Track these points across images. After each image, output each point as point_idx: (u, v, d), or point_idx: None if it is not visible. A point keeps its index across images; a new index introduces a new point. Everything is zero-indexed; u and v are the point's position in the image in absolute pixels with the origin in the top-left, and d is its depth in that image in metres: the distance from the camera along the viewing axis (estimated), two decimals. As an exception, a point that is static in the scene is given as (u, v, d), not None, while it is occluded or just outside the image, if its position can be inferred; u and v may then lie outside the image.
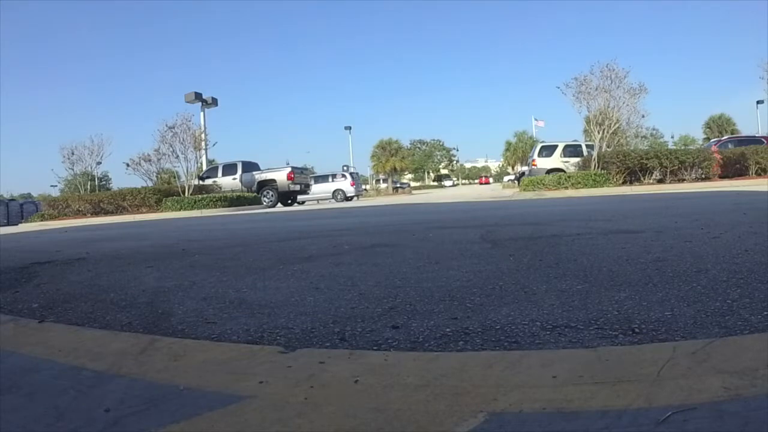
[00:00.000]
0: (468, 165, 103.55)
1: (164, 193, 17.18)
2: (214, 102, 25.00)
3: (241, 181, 19.09)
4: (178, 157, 17.54)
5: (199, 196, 16.55)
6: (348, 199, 24.00)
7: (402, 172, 51.36)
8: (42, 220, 16.67)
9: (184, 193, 16.87)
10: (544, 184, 13.87)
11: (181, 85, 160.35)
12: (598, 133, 14.62)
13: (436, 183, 79.53)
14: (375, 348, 1.41)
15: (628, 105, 14.96)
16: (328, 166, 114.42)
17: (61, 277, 3.01)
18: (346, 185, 24.84)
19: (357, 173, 29.26)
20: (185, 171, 17.80)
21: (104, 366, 1.36)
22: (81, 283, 2.79)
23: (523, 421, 0.91)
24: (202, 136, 18.96)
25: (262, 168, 20.30)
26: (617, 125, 15.11)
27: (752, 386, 0.96)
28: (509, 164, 58.35)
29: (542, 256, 2.67)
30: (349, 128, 44.27)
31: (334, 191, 24.52)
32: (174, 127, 17.35)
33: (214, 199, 16.21)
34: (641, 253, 2.59)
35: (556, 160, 17.07)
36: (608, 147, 14.98)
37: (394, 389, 1.09)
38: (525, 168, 20.27)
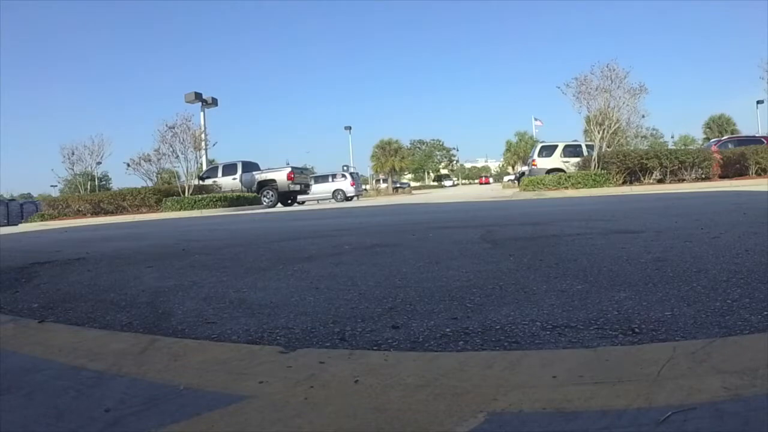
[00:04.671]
0: (468, 165, 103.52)
1: (164, 193, 17.17)
2: (214, 102, 24.99)
3: (241, 181, 19.09)
4: (178, 157, 17.56)
5: (199, 196, 16.54)
6: (348, 199, 24.00)
7: (402, 172, 51.39)
8: (42, 220, 16.67)
9: (184, 193, 16.87)
10: (544, 184, 13.87)
11: (181, 85, 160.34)
12: (598, 133, 14.63)
13: (436, 183, 79.49)
14: (375, 348, 1.41)
15: (628, 105, 14.99)
16: (328, 166, 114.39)
17: (61, 277, 3.01)
18: (346, 185, 24.83)
19: (357, 173, 29.26)
20: (185, 171, 17.82)
21: (104, 366, 1.36)
22: (81, 283, 2.79)
23: (523, 421, 0.91)
24: (202, 136, 18.95)
25: (262, 168, 20.30)
26: (617, 125, 15.10)
27: (752, 386, 0.96)
28: (509, 164, 58.41)
29: (542, 256, 2.67)
30: (349, 128, 44.32)
31: (334, 191, 24.52)
32: (174, 127, 17.36)
33: (214, 199, 16.20)
34: (641, 253, 2.59)
35: (556, 160, 17.07)
36: (608, 147, 14.98)
37: (394, 389, 1.09)
38: (525, 168, 20.27)
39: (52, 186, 51.15)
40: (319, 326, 1.64)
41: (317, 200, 24.03)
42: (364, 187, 33.99)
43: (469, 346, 1.38)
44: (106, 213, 16.75)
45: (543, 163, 17.15)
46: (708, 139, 34.77)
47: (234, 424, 0.97)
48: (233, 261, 3.29)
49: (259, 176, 19.35)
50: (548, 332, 1.43)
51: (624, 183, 13.33)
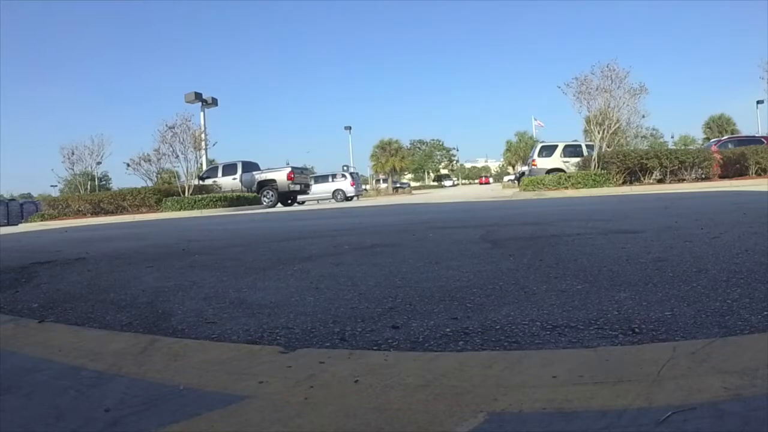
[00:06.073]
0: (468, 165, 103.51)
1: (164, 193, 17.17)
2: (214, 102, 24.98)
3: (241, 181, 19.09)
4: (178, 157, 17.55)
5: (199, 196, 16.54)
6: (348, 199, 23.99)
7: (402, 172, 51.35)
8: (42, 220, 16.66)
9: (184, 193, 16.87)
10: (544, 184, 13.87)
11: (181, 85, 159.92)
12: (598, 133, 14.63)
13: (436, 183, 79.46)
14: (375, 348, 1.41)
15: (628, 105, 14.99)
16: (328, 166, 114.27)
17: (61, 277, 3.01)
18: (346, 185, 24.83)
19: (357, 173, 29.26)
20: (185, 171, 17.81)
21: (104, 366, 1.36)
22: (81, 283, 2.79)
23: (523, 421, 0.91)
24: (202, 136, 18.95)
25: (262, 168, 20.30)
26: (617, 125, 15.11)
27: (752, 386, 0.96)
28: (509, 164, 58.42)
29: (542, 256, 2.67)
30: (349, 128, 44.34)
31: (334, 191, 24.52)
32: (174, 127, 17.35)
33: (214, 199, 16.20)
34: (641, 253, 2.59)
35: (556, 160, 17.08)
36: (608, 147, 14.98)
37: (394, 389, 1.09)
38: (525, 168, 20.27)
39: (52, 186, 51.17)
40: (319, 326, 1.64)
41: (317, 200, 24.02)
42: (364, 187, 33.98)
43: (469, 346, 1.38)
44: (106, 213, 16.74)
45: (543, 163, 17.15)
46: (708, 139, 34.74)
47: (234, 424, 0.98)
48: (233, 261, 3.29)
49: (259, 176, 19.35)
50: (548, 332, 1.43)
51: (624, 183, 13.33)
